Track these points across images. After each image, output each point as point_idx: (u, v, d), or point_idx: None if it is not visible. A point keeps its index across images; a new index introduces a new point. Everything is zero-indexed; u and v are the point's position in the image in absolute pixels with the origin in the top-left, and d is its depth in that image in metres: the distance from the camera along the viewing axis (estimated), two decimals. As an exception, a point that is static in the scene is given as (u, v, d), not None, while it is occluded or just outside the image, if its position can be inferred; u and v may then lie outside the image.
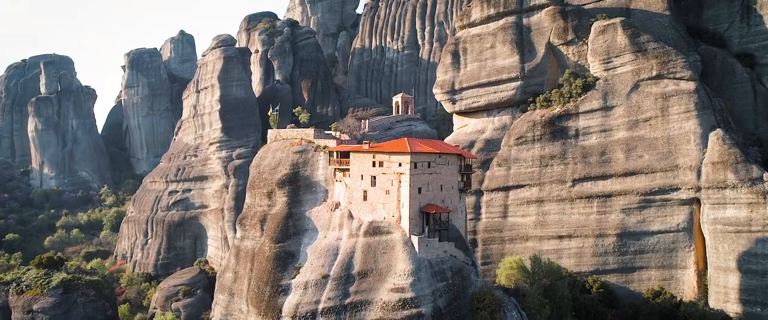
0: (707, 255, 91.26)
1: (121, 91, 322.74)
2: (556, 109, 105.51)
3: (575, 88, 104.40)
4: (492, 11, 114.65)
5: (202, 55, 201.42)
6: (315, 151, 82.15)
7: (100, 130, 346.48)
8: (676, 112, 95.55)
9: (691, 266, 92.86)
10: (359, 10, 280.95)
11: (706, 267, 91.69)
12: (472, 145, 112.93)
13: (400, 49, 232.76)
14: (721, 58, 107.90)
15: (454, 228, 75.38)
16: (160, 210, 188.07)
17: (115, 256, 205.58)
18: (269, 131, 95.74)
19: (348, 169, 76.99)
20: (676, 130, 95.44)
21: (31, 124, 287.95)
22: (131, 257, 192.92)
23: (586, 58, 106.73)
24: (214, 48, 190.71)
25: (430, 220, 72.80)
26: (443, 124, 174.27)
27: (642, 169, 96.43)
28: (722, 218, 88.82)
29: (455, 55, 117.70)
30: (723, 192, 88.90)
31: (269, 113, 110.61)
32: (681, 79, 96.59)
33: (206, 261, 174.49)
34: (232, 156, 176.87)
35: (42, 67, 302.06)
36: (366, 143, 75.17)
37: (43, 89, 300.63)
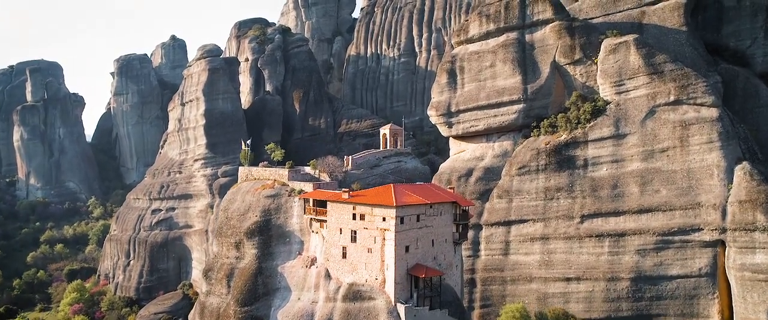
0: (733, 305, 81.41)
1: (110, 98, 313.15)
2: (563, 136, 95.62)
3: (583, 113, 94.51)
4: (492, 26, 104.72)
5: (188, 66, 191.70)
6: (289, 195, 72.42)
7: (90, 138, 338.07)
8: (697, 143, 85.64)
9: (715, 316, 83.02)
10: (356, 14, 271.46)
11: (731, 318, 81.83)
12: (470, 173, 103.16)
13: (396, 57, 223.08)
14: (744, 79, 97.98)
15: (448, 289, 65.58)
16: (142, 229, 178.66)
17: (98, 276, 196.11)
18: (240, 169, 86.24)
19: (325, 221, 67.17)
20: (697, 162, 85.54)
21: (17, 133, 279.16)
22: (113, 278, 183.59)
23: (596, 80, 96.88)
24: (199, 59, 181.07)
25: (419, 283, 62.99)
26: (439, 140, 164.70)
27: (659, 206, 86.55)
28: (751, 264, 78.94)
29: (452, 74, 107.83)
30: (752, 235, 79.03)
31: (243, 145, 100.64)
32: (702, 104, 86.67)
33: (190, 285, 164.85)
34: (218, 173, 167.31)
35: (28, 74, 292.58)
36: (345, 191, 65.34)
37: (29, 97, 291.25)
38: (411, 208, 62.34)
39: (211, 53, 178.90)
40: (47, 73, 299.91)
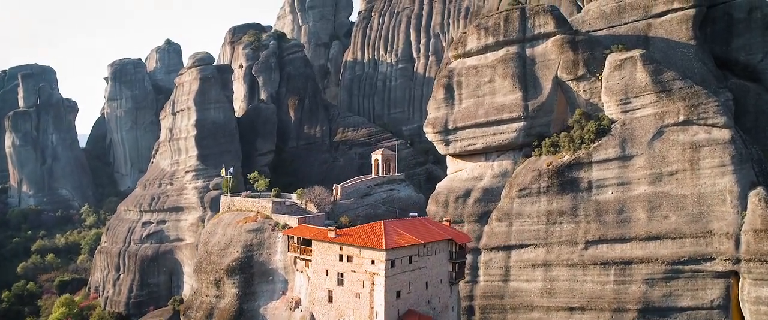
0: (747, 340, 76.60)
1: (104, 104, 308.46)
2: (565, 157, 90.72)
3: (588, 133, 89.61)
4: (490, 40, 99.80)
5: (179, 74, 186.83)
6: (273, 229, 67.70)
7: (84, 143, 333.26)
8: (709, 166, 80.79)
9: (728, 350, 78.21)
10: (353, 17, 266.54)
11: (745, 353, 77.10)
12: (468, 194, 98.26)
13: (393, 63, 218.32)
14: (755, 95, 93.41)
15: (443, 335, 60.94)
16: (132, 242, 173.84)
17: (89, 288, 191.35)
18: (222, 198, 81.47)
19: (310, 260, 62.36)
20: (708, 187, 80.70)
21: (9, 140, 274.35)
22: (103, 292, 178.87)
23: (600, 97, 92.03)
24: (190, 67, 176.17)
25: (411, 330, 58.27)
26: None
27: (668, 233, 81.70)
28: (767, 297, 74.09)
29: (448, 89, 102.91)
30: None
31: (222, 172, 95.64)
32: (713, 125, 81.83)
33: (181, 301, 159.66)
34: (209, 186, 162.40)
35: (20, 79, 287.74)
36: (331, 229, 60.44)
37: (21, 102, 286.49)
38: (402, 250, 57.55)
39: (203, 61, 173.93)
40: (40, 78, 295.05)
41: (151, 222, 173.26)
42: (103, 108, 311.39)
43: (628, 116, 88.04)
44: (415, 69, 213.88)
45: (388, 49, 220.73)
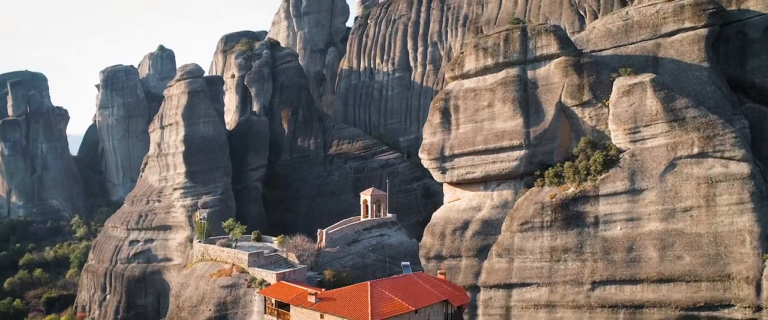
0: (769, 394, 70.56)
1: (96, 112, 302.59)
2: (570, 189, 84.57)
3: (594, 164, 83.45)
4: (489, 61, 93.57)
5: (168, 86, 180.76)
6: (249, 285, 61.50)
7: (77, 151, 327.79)
8: (726, 203, 74.69)
9: None
10: (349, 23, 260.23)
11: None
12: (466, 226, 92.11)
13: (390, 72, 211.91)
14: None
15: None
16: (119, 261, 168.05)
17: (75, 307, 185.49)
18: (195, 244, 75.27)
19: (289, 324, 56.34)
20: (725, 225, 74.59)
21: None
22: (89, 312, 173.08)
23: (607, 124, 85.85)
24: (179, 80, 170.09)
25: None
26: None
27: (682, 275, 75.61)
28: (791, 350, 68.11)
29: (445, 113, 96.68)
30: (792, 317, 68.16)
31: (195, 218, 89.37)
32: (731, 158, 75.70)
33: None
34: (198, 204, 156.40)
35: (9, 87, 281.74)
36: (312, 292, 54.30)
37: (10, 111, 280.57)
38: None
39: (191, 74, 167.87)
40: (30, 85, 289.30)
41: (139, 241, 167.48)
42: (95, 116, 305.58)
43: (638, 146, 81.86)
44: (412, 78, 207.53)
45: (385, 57, 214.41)
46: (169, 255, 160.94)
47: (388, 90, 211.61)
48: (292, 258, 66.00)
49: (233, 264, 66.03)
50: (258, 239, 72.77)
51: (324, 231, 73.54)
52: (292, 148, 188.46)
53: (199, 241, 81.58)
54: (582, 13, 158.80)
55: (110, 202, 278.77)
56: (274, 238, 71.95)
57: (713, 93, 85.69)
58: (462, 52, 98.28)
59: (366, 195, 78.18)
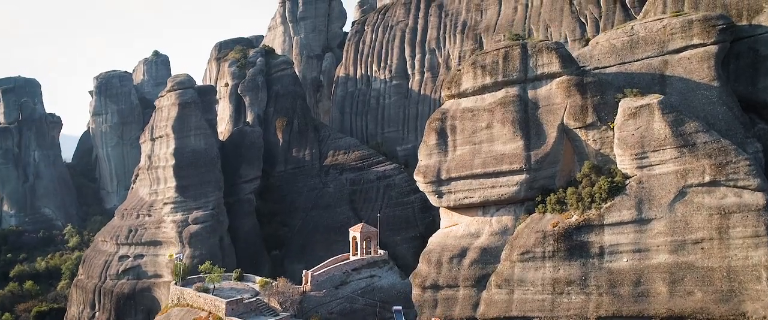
0: None
1: (89, 119, 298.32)
2: (573, 217, 79.99)
3: (599, 191, 78.84)
4: (488, 80, 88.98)
5: (159, 96, 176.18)
6: (226, 337, 56.97)
7: (71, 158, 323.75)
8: (740, 236, 70.12)
9: None
10: (347, 27, 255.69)
11: None
12: (463, 253, 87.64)
13: (387, 79, 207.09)
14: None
15: None
16: (108, 277, 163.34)
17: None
18: (171, 287, 70.86)
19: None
20: (739, 260, 70.03)
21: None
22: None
23: (612, 147, 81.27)
24: (169, 90, 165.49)
25: None
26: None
27: (693, 313, 71.09)
28: None
29: (441, 134, 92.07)
30: (812, 361, 63.59)
31: (169, 257, 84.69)
32: (745, 187, 71.14)
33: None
34: (188, 220, 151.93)
35: (1, 93, 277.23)
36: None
37: (2, 118, 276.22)
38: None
39: (182, 85, 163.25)
40: (23, 91, 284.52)
41: (128, 257, 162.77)
42: (89, 123, 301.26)
43: (645, 173, 77.25)
44: (409, 86, 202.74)
45: (382, 64, 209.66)
46: (159, 271, 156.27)
47: (386, 98, 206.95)
48: (275, 304, 61.45)
49: (210, 313, 61.58)
50: (240, 278, 68.23)
51: (309, 272, 68.77)
52: (286, 158, 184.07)
53: (176, 283, 76.89)
54: (583, 20, 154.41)
55: (104, 210, 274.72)
56: (257, 278, 67.36)
57: (724, 114, 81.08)
58: (459, 70, 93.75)
59: (355, 232, 73.21)
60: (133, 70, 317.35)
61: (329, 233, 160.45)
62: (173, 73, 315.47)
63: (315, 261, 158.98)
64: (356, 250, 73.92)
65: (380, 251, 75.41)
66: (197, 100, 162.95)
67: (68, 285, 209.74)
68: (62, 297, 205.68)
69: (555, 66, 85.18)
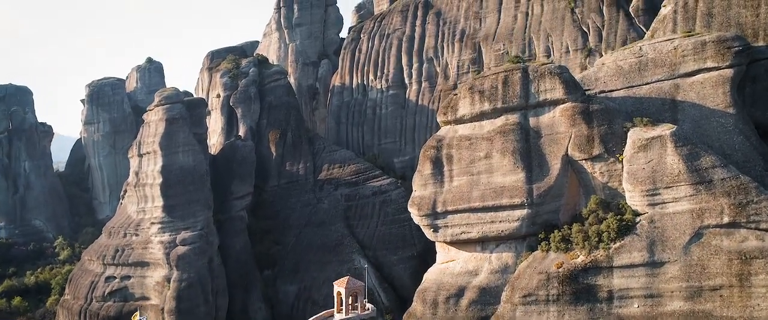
0: None
1: (81, 128, 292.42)
2: (580, 257, 74.07)
3: (607, 229, 72.82)
4: (486, 106, 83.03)
5: (148, 109, 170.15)
6: None
7: (63, 167, 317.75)
8: (763, 284, 64.30)
9: None
10: (343, 33, 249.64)
11: None
12: (461, 293, 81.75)
13: (384, 89, 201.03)
14: (808, 173, 76.40)
15: None
16: (94, 299, 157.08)
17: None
18: None
19: None
20: (762, 310, 64.20)
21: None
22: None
23: (621, 181, 75.30)
24: (157, 105, 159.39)
25: None
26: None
27: (711, 367, 65.09)
28: None
29: (437, 163, 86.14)
30: None
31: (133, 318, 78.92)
32: (767, 230, 64.97)
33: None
34: (176, 241, 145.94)
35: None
36: None
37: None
38: None
39: (170, 100, 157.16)
40: (13, 100, 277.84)
41: (115, 278, 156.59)
42: (81, 132, 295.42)
43: (657, 211, 71.33)
44: (407, 95, 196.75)
45: (378, 73, 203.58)
46: (147, 294, 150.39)
47: (382, 108, 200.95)
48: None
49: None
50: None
51: (290, 333, 63.03)
52: (280, 172, 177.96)
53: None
54: (585, 29, 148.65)
55: (96, 221, 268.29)
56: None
57: (741, 144, 75.23)
58: (455, 94, 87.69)
59: (340, 287, 66.92)
60: (127, 77, 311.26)
61: (323, 252, 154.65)
62: (167, 80, 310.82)
63: (308, 281, 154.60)
64: (341, 307, 67.94)
65: (368, 305, 69.50)
66: (185, 115, 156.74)
67: (57, 301, 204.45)
68: (51, 313, 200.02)
69: (558, 92, 79.25)
